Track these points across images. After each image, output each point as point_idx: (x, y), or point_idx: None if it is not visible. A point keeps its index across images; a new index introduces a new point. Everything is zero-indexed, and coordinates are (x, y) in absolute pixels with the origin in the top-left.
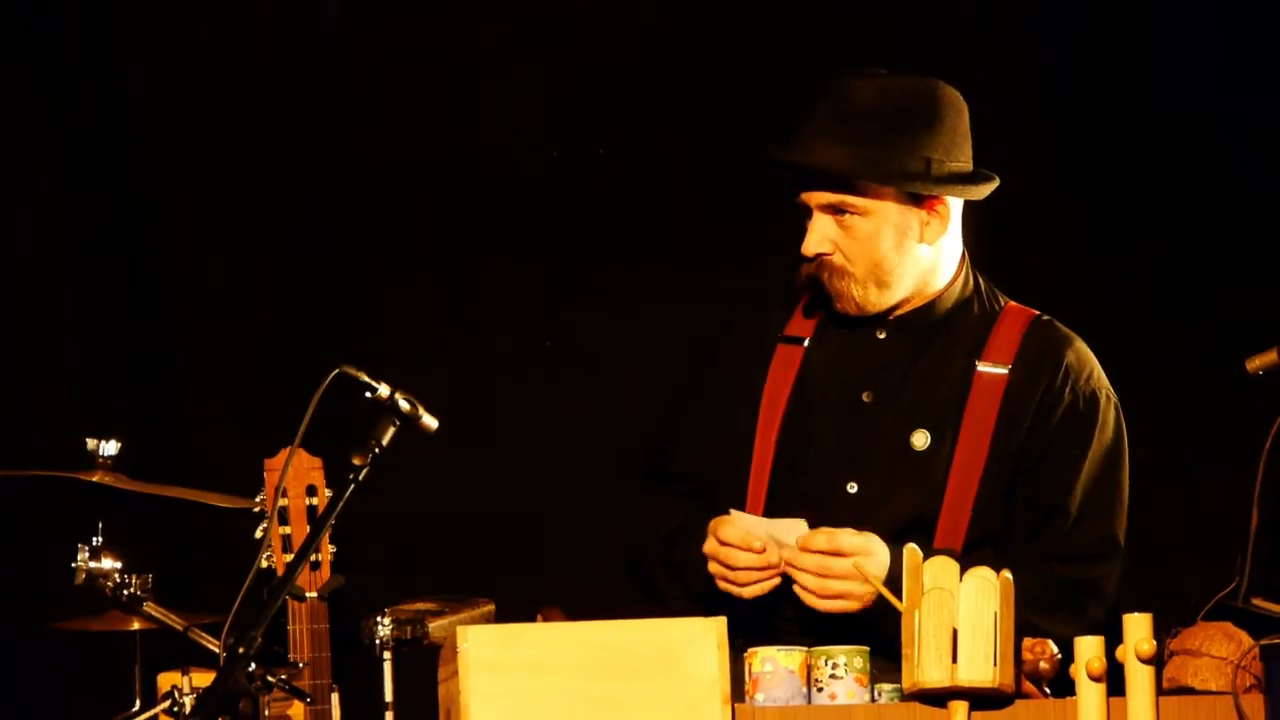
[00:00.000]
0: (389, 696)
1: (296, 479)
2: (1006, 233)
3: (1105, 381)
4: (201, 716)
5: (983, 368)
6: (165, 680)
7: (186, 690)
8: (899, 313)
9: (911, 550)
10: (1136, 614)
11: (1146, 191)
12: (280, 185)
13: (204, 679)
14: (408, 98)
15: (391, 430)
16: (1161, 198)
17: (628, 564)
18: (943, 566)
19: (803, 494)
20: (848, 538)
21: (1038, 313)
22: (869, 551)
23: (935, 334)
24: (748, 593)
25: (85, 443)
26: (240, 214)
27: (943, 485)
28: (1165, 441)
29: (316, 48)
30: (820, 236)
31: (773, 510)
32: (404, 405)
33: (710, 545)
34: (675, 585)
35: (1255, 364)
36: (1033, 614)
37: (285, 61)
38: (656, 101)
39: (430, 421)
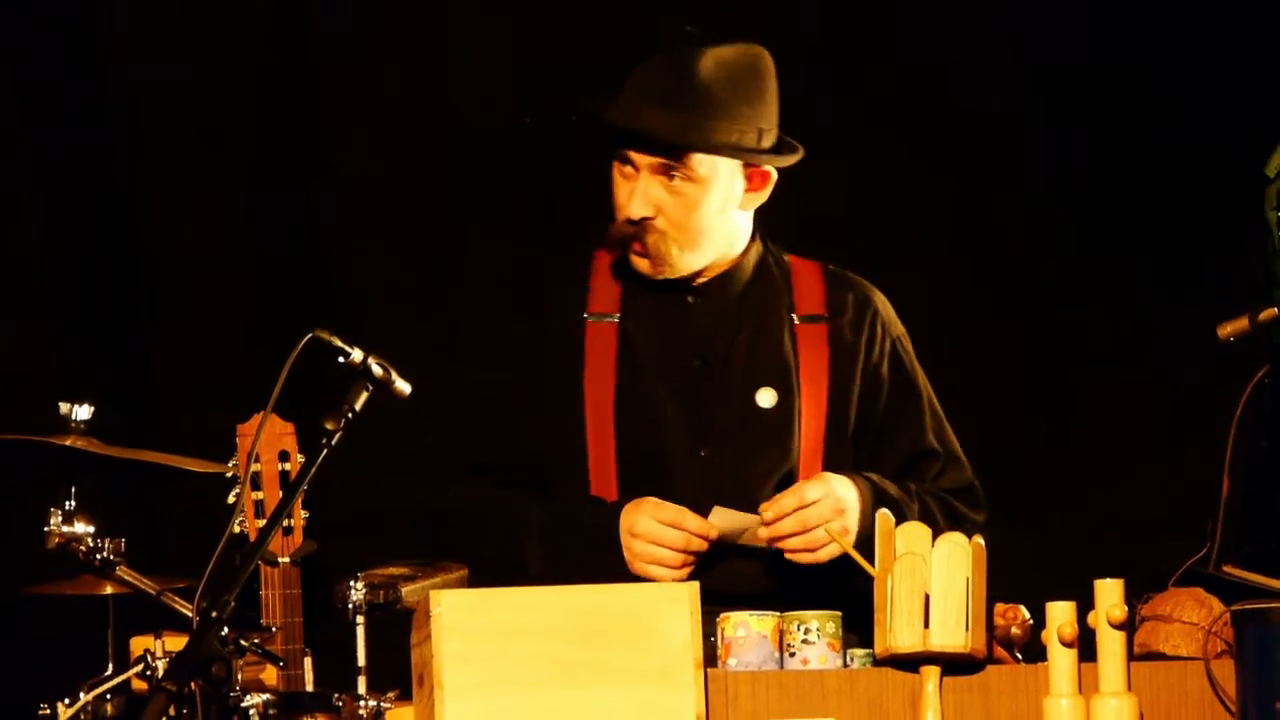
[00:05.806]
0: (362, 661)
1: (269, 444)
2: (987, 209)
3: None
4: (174, 681)
5: (800, 320)
6: (138, 644)
7: (159, 654)
8: (705, 278)
9: (883, 515)
10: (1108, 580)
11: (1119, 161)
12: (255, 151)
13: (177, 643)
14: (384, 65)
15: (364, 395)
16: (1133, 167)
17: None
18: (915, 531)
19: (654, 466)
20: (809, 488)
21: (823, 262)
22: (828, 493)
23: (746, 294)
24: (673, 575)
25: (58, 407)
26: (214, 179)
27: (794, 441)
28: (1139, 410)
29: (292, 15)
30: (646, 200)
31: (627, 484)
32: (377, 370)
33: (645, 525)
34: (548, 568)
35: (1227, 330)
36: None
37: (261, 29)
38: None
39: (403, 386)
